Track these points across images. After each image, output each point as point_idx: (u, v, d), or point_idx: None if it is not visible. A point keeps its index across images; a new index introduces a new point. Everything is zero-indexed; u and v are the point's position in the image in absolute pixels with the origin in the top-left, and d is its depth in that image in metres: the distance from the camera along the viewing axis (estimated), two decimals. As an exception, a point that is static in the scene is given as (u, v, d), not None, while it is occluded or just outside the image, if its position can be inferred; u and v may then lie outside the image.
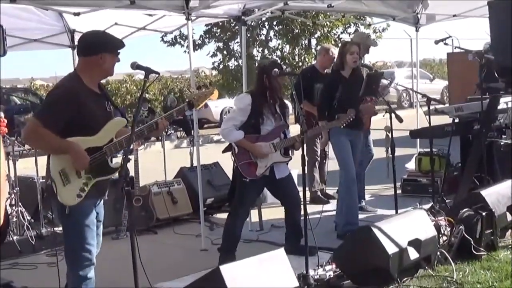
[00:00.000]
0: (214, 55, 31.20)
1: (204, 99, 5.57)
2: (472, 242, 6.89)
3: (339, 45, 13.70)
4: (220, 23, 28.54)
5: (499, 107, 9.31)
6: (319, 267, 6.56)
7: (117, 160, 5.27)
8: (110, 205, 9.25)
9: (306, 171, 6.65)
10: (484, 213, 7.08)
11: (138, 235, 6.27)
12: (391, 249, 6.06)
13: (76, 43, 10.15)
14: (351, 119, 7.92)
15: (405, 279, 6.27)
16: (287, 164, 7.70)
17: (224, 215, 8.00)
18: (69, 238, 5.19)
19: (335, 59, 9.18)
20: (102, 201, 5.43)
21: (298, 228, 7.59)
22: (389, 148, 8.23)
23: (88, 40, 5.35)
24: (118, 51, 5.29)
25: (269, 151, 7.41)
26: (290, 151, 7.69)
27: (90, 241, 5.17)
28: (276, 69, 7.19)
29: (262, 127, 7.43)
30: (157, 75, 5.37)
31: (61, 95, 5.08)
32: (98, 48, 5.17)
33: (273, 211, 9.45)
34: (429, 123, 8.54)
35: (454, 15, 12.30)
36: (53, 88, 5.42)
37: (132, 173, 8.57)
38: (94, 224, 5.23)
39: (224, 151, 7.73)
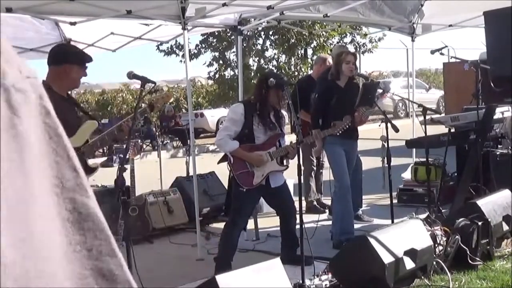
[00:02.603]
0: (210, 64, 31.27)
1: (162, 101, 5.69)
2: (468, 252, 6.89)
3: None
4: (216, 33, 28.61)
5: (494, 117, 9.32)
6: (315, 276, 6.56)
7: (95, 161, 5.43)
8: (106, 214, 9.26)
9: (302, 181, 6.66)
10: (480, 223, 7.08)
11: (134, 244, 6.24)
12: (387, 258, 6.06)
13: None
14: (347, 126, 7.92)
15: (401, 288, 6.27)
16: (283, 173, 7.70)
17: (220, 225, 8.01)
18: None
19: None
20: None
21: (294, 237, 7.59)
22: (385, 157, 8.23)
23: (57, 51, 5.62)
24: (86, 64, 5.46)
25: (265, 159, 7.41)
26: (285, 160, 7.69)
27: None
28: (272, 79, 7.20)
29: (256, 136, 7.44)
30: (153, 85, 5.40)
31: None
32: (66, 58, 5.36)
33: (269, 221, 9.44)
34: (425, 132, 8.55)
35: (450, 25, 12.33)
36: None
37: (128, 182, 8.57)
38: None
39: (219, 162, 7.73)
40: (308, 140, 7.93)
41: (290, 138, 7.86)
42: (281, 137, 7.67)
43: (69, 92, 5.66)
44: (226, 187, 8.03)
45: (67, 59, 5.31)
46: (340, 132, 7.93)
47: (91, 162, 5.37)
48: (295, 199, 7.39)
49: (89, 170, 5.37)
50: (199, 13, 8.57)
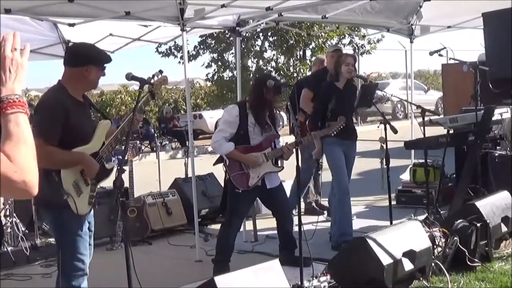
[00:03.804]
0: (208, 66, 31.28)
1: (160, 86, 5.64)
2: (466, 253, 6.88)
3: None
4: (215, 34, 28.61)
5: (493, 118, 9.32)
6: (314, 278, 6.54)
7: (111, 163, 5.47)
8: (105, 216, 9.27)
9: (300, 182, 6.66)
10: (478, 224, 7.08)
11: (132, 246, 6.25)
12: (385, 260, 6.06)
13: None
14: (341, 126, 7.92)
15: (400, 290, 6.27)
16: (277, 173, 7.71)
17: (219, 226, 8.00)
18: (62, 248, 5.22)
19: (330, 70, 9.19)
20: (93, 211, 5.44)
21: (291, 238, 7.59)
22: (384, 159, 8.23)
23: (76, 51, 5.47)
24: (105, 65, 5.34)
25: (261, 161, 7.41)
26: (280, 161, 7.69)
27: (82, 251, 5.22)
28: (270, 80, 7.20)
29: (251, 138, 7.45)
30: (152, 86, 5.40)
31: (50, 107, 5.13)
32: (85, 59, 5.21)
33: (267, 222, 9.43)
34: (424, 134, 8.55)
35: (449, 27, 12.32)
36: (40, 102, 5.49)
37: (126, 184, 8.56)
38: (86, 234, 5.30)
39: (215, 164, 7.75)
40: (305, 140, 7.91)
41: (290, 140, 7.85)
42: (276, 138, 7.68)
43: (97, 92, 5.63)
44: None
45: (86, 61, 5.18)
46: (335, 132, 7.93)
47: (107, 164, 5.39)
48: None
49: (106, 173, 5.39)
50: (198, 15, 8.57)
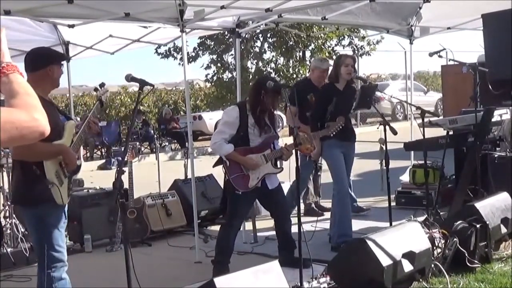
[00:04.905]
0: (208, 67, 31.23)
1: (107, 94, 5.91)
2: (466, 255, 6.88)
3: (334, 57, 13.74)
4: (214, 36, 28.57)
5: (493, 120, 9.32)
6: (313, 279, 6.54)
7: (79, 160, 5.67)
8: (104, 217, 9.27)
9: (299, 183, 6.65)
10: (478, 226, 7.08)
11: (132, 247, 6.24)
12: (385, 261, 6.05)
13: (69, 54, 10.25)
14: (341, 126, 7.93)
15: (400, 291, 6.26)
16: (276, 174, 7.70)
17: (218, 227, 7.99)
18: (41, 242, 5.33)
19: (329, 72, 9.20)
20: (66, 207, 5.53)
21: (290, 239, 7.59)
22: (383, 160, 8.22)
23: (35, 56, 5.60)
24: (62, 62, 5.61)
25: (260, 162, 7.40)
26: (279, 162, 7.68)
27: (61, 243, 5.38)
28: (270, 81, 7.19)
29: (250, 139, 7.44)
30: (151, 87, 5.42)
31: None
32: (46, 60, 5.44)
33: (267, 223, 9.43)
34: (423, 135, 8.54)
35: (448, 28, 12.33)
36: None
37: (126, 185, 8.56)
38: (63, 227, 5.45)
39: (214, 166, 7.74)
40: (303, 140, 7.89)
41: (289, 141, 7.84)
42: (275, 139, 7.67)
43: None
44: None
45: (48, 62, 5.41)
46: (334, 133, 7.93)
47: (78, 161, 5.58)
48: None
49: (78, 168, 5.59)
50: (198, 16, 8.56)
